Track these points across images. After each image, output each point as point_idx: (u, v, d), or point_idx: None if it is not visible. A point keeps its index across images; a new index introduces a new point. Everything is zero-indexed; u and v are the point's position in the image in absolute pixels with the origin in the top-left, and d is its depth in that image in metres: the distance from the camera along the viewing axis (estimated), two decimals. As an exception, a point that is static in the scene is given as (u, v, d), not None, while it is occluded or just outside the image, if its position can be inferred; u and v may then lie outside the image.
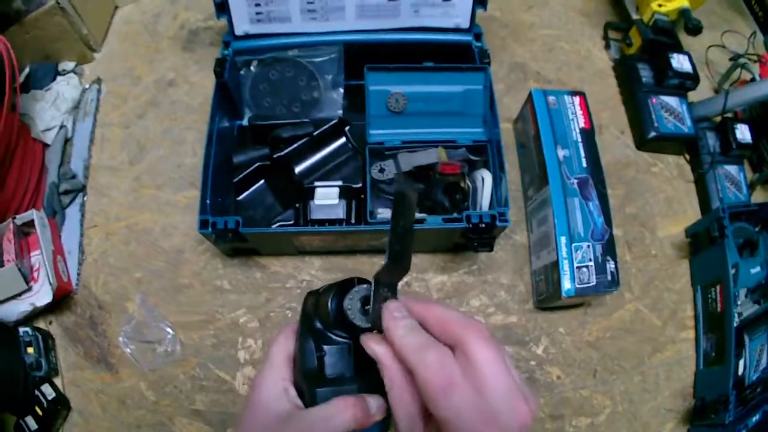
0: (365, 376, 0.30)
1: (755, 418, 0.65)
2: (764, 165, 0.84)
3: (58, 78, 0.82)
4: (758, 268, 0.72)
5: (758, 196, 0.83)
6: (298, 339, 0.32)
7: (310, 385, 0.29)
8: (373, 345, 0.28)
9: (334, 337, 0.30)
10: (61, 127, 0.79)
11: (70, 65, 0.82)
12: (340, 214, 0.61)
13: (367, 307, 0.29)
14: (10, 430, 0.61)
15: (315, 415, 0.28)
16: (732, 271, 0.69)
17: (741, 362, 0.68)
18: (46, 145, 0.78)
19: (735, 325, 0.67)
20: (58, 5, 0.74)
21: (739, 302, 0.69)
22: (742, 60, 0.84)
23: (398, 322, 0.27)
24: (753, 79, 0.83)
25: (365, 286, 0.30)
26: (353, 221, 0.63)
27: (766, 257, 0.76)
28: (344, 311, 0.29)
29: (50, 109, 0.79)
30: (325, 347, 0.30)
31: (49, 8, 0.74)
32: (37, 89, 0.80)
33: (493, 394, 0.25)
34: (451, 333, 0.26)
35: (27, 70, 0.81)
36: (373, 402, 0.29)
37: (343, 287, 0.30)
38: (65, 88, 0.80)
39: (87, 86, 0.81)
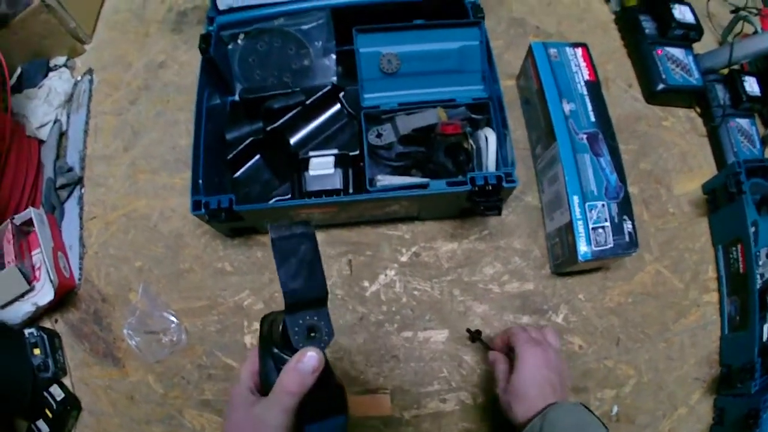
0: (319, 391, 0.35)
1: (783, 390, 0.61)
2: (776, 120, 0.80)
3: (50, 74, 0.81)
4: (778, 227, 0.68)
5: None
6: (260, 359, 0.37)
7: None
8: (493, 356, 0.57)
9: (287, 357, 0.35)
10: (56, 121, 0.78)
11: (61, 59, 0.81)
12: (337, 183, 0.59)
13: (312, 334, 0.34)
14: (22, 436, 0.59)
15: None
16: (752, 229, 0.65)
17: (766, 327, 0.64)
18: (41, 142, 0.77)
19: (758, 287, 0.63)
20: (44, 3, 0.73)
21: (760, 263, 0.65)
22: (743, 13, 0.81)
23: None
24: (755, 32, 0.80)
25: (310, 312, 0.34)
26: (352, 191, 0.60)
27: (785, 216, 0.72)
28: (288, 338, 0.34)
29: (43, 105, 0.78)
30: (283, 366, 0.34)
31: (35, 8, 0.73)
32: (30, 88, 0.79)
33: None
34: (511, 344, 0.54)
35: (18, 70, 0.80)
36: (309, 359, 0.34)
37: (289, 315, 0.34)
38: (57, 83, 0.79)
39: (79, 78, 0.80)
